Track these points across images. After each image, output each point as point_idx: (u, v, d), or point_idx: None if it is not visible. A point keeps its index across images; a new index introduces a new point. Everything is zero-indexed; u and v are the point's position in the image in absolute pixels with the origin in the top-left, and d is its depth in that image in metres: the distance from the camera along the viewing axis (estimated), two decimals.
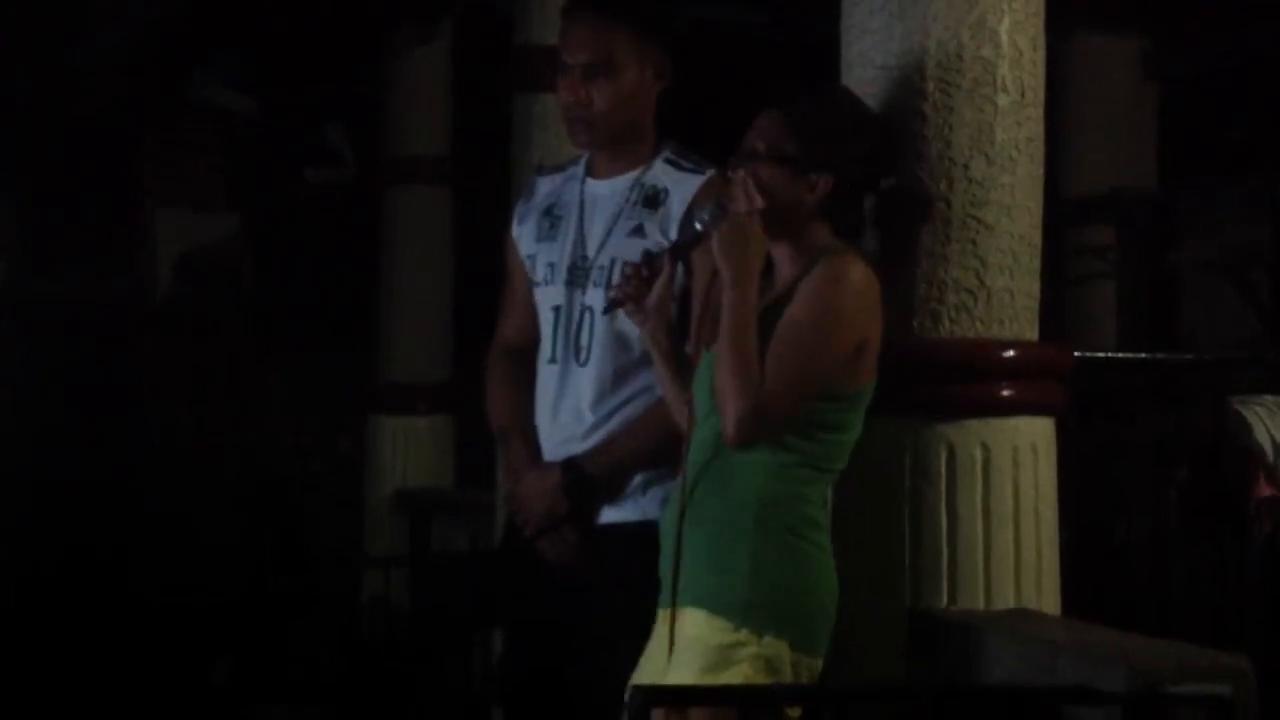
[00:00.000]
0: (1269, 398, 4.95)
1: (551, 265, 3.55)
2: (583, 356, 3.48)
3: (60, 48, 8.88)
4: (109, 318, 9.29)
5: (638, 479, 3.44)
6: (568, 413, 3.50)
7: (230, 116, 9.80)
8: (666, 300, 3.21)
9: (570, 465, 3.48)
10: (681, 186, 3.46)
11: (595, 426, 3.47)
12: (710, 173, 3.47)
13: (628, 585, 3.29)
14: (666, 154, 3.51)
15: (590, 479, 3.46)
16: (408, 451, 8.27)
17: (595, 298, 3.47)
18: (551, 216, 3.58)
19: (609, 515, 3.48)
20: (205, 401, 9.50)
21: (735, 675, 2.94)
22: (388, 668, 7.00)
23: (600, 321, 3.46)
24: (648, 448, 3.39)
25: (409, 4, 8.17)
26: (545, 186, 3.65)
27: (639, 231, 3.45)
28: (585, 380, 3.48)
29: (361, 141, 9.43)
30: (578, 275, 3.50)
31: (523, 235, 3.63)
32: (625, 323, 3.37)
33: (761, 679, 2.94)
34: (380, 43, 8.36)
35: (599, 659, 3.36)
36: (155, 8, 8.62)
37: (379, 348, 8.42)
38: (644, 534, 3.27)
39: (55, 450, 8.71)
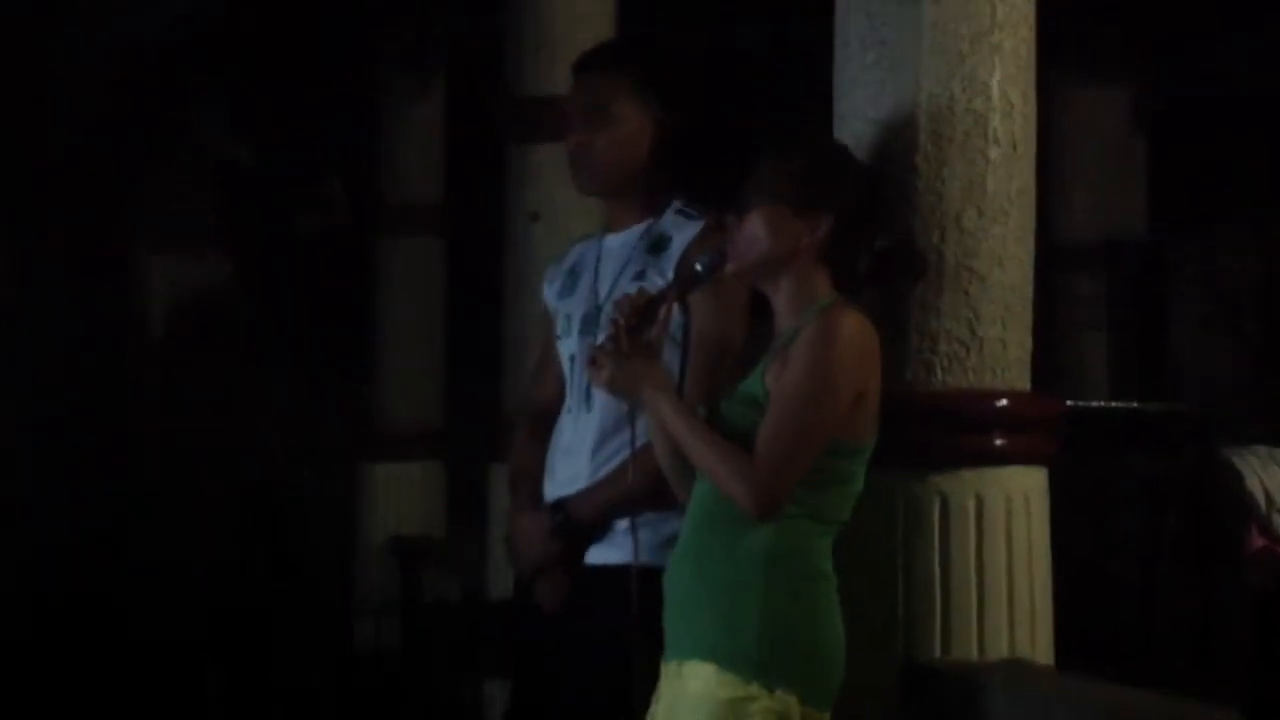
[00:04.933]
0: (1261, 448, 4.95)
1: (569, 317, 3.64)
2: (590, 405, 3.53)
3: (55, 66, 8.89)
4: (100, 346, 9.29)
5: (624, 523, 3.46)
6: (576, 459, 3.56)
7: (225, 163, 9.83)
8: (659, 346, 3.22)
9: (558, 507, 3.53)
10: (682, 232, 3.53)
11: (593, 475, 3.51)
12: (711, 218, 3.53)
13: (606, 625, 3.34)
14: (677, 205, 3.59)
15: (576, 521, 3.51)
16: (399, 498, 8.27)
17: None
18: (574, 274, 3.68)
19: (595, 556, 3.52)
20: (201, 424, 9.49)
21: None
22: (380, 679, 7.02)
23: None
24: (633, 491, 3.39)
25: (404, 55, 8.20)
26: (576, 249, 3.76)
27: (641, 276, 3.52)
28: (590, 428, 3.53)
29: (356, 190, 9.45)
30: (590, 324, 3.57)
31: (549, 294, 3.74)
32: None
33: None
34: (375, 92, 8.39)
35: (582, 697, 3.42)
36: (152, 28, 8.64)
37: (371, 394, 8.42)
38: (628, 576, 3.31)
39: (48, 472, 8.73)
